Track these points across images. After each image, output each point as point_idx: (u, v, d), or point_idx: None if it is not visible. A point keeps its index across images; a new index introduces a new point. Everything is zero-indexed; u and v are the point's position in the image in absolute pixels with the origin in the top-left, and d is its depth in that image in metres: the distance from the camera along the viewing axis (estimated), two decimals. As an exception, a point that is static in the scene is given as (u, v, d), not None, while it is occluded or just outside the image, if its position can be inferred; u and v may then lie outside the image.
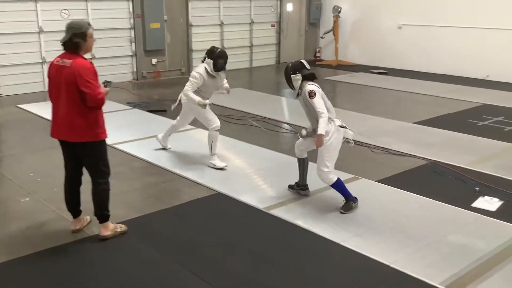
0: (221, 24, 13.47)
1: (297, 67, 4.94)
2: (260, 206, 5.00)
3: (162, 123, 7.86)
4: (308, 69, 4.95)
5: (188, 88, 5.79)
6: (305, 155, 5.16)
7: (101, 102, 4.03)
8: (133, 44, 11.96)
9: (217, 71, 5.89)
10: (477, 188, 5.38)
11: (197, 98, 5.74)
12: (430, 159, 6.36)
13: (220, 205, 5.08)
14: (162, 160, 6.34)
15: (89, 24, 4.10)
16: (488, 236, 4.39)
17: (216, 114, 6.08)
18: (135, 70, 12.13)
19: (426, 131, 7.78)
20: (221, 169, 5.96)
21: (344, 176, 5.74)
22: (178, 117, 6.50)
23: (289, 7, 14.96)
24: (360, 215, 4.81)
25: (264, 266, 3.95)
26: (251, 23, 14.11)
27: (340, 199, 4.96)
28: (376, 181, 5.68)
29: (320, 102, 4.65)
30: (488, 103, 9.54)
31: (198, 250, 4.19)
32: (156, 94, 10.61)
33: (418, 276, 3.76)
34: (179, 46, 12.81)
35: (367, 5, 14.31)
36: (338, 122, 4.77)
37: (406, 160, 6.40)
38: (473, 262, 3.96)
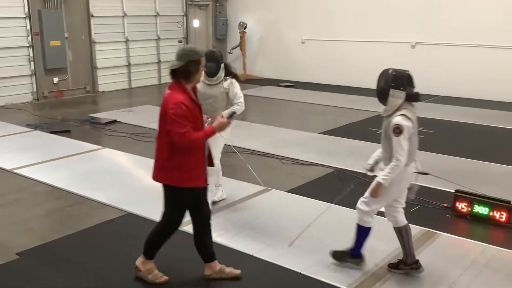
0: (126, 41, 13.22)
1: (403, 81, 3.72)
2: (172, 224, 4.93)
3: (65, 144, 7.53)
4: (413, 87, 3.77)
5: None
6: (402, 220, 3.95)
7: (186, 142, 3.43)
8: (32, 63, 11.38)
9: (209, 76, 5.01)
10: (379, 192, 5.67)
11: None
12: (336, 167, 6.63)
13: (131, 226, 4.95)
14: (67, 183, 6.06)
15: (202, 51, 3.60)
16: (392, 238, 4.63)
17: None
18: (35, 90, 11.54)
19: (330, 140, 8.13)
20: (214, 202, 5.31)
21: (255, 188, 5.84)
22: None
23: (196, 23, 15.03)
24: (272, 225, 4.90)
25: (177, 284, 3.89)
26: (158, 39, 13.98)
27: (254, 211, 5.01)
28: (286, 191, 5.83)
29: (402, 145, 3.61)
30: (386, 112, 10.17)
31: (107, 275, 4.04)
32: (59, 114, 10.15)
33: (327, 280, 3.91)
34: (82, 63, 12.38)
35: (272, 21, 14.74)
36: (412, 168, 3.83)
37: (314, 169, 6.63)
38: (379, 262, 4.17)
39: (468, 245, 4.52)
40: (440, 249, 4.44)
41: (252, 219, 5.00)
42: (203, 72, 4.85)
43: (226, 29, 15.74)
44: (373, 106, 10.45)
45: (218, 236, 4.65)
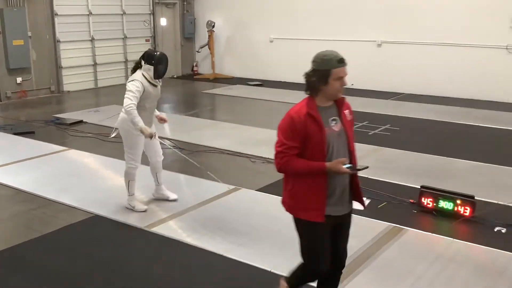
0: (92, 39, 12.98)
1: None
2: (140, 225, 4.87)
3: (29, 145, 7.34)
4: None
5: (131, 103, 4.70)
6: None
7: (276, 162, 2.92)
8: (-6, 62, 11.07)
9: (159, 78, 4.98)
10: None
11: (141, 124, 4.73)
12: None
13: (98, 229, 4.87)
14: (32, 185, 5.92)
15: (341, 61, 2.88)
16: (359, 234, 4.69)
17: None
18: (-3, 90, 11.23)
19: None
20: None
21: (224, 187, 5.82)
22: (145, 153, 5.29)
23: (163, 21, 14.89)
24: (242, 224, 4.90)
25: (148, 287, 3.85)
26: (124, 38, 13.78)
27: (217, 212, 5.00)
28: (256, 190, 5.83)
29: None
30: (354, 110, 10.26)
31: (73, 279, 3.95)
32: (23, 115, 9.89)
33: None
34: (46, 63, 12.10)
35: (240, 20, 14.72)
36: None
37: (283, 167, 6.64)
38: (348, 260, 4.20)
39: (433, 240, 4.62)
40: (407, 244, 4.52)
41: (222, 218, 4.98)
42: (152, 74, 4.82)
43: (194, 28, 15.64)
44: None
45: (188, 236, 4.63)
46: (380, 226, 4.84)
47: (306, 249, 3.07)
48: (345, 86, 2.93)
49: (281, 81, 13.96)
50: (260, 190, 5.84)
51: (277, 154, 2.90)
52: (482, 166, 6.64)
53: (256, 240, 4.56)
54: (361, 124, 9.04)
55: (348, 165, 2.87)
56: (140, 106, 4.84)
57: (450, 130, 8.78)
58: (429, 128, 8.90)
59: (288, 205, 3.05)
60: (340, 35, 12.86)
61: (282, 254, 4.30)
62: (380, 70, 12.34)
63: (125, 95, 4.77)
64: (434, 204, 5.13)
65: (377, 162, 6.88)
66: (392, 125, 8.85)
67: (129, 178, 5.17)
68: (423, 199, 5.21)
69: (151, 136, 4.87)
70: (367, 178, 6.16)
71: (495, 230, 4.75)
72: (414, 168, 6.55)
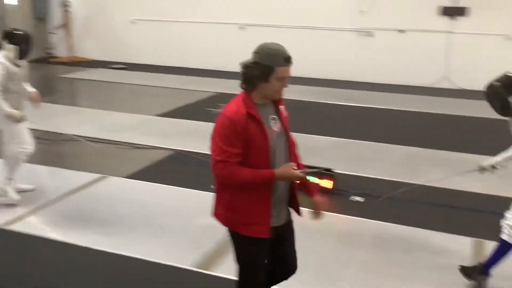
0: None
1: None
2: (-5, 223, 4.44)
3: None
4: None
5: None
6: None
7: (217, 173, 2.52)
8: None
9: (23, 58, 4.68)
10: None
11: (8, 108, 4.49)
12: (175, 149, 6.59)
13: None
14: None
15: (288, 59, 2.53)
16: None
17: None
18: None
19: (168, 122, 8.04)
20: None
21: (90, 177, 5.54)
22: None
23: (10, 0, 13.53)
24: (111, 214, 4.70)
25: (6, 290, 3.52)
26: (-36, 17, 12.32)
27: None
28: (124, 177, 5.62)
29: None
30: (222, 92, 10.35)
31: None
32: None
33: (171, 263, 3.87)
34: None
35: (98, -1, 13.95)
36: None
37: (152, 152, 6.50)
38: (220, 239, 4.25)
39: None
40: (277, 220, 4.69)
41: (88, 209, 4.73)
42: (15, 54, 4.37)
43: (47, 8, 14.46)
44: (209, 86, 10.73)
45: (51, 231, 4.32)
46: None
47: (244, 264, 2.73)
48: (285, 88, 2.59)
49: (145, 64, 13.52)
50: (128, 177, 5.65)
51: (217, 164, 2.48)
52: (341, 141, 7.13)
53: (126, 229, 4.41)
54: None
55: (302, 170, 2.62)
56: (6, 90, 4.54)
57: (312, 108, 9.26)
58: (294, 108, 9.27)
59: (226, 219, 2.67)
60: (203, 17, 12.83)
61: (155, 241, 4.22)
62: (242, 54, 12.46)
63: None
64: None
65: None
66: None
67: (16, 162, 4.77)
68: (289, 175, 5.43)
69: (21, 120, 4.63)
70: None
71: (355, 199, 5.12)
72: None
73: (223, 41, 12.59)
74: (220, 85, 11.09)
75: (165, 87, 10.81)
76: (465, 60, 10.63)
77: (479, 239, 4.31)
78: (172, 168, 6.02)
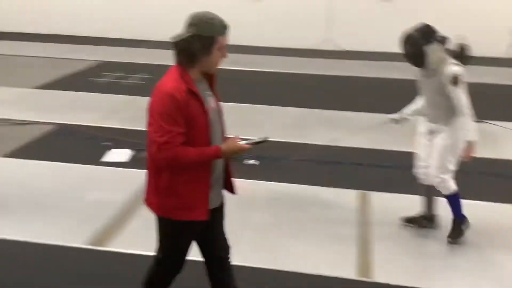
0: None
1: (429, 33, 3.49)
2: None
3: None
4: (441, 35, 3.52)
5: None
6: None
7: (160, 156, 2.32)
8: None
9: None
10: (106, 143, 5.57)
11: None
12: (58, 123, 6.20)
13: None
14: None
15: (226, 27, 2.40)
16: (123, 186, 4.63)
17: None
18: None
19: (49, 94, 7.53)
20: None
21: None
22: None
23: None
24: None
25: None
26: None
27: None
28: (2, 157, 5.20)
29: (465, 94, 3.50)
30: (106, 60, 9.86)
31: None
32: None
33: (63, 243, 3.69)
34: None
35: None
36: None
37: (32, 128, 6.05)
38: (113, 213, 4.13)
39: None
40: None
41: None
42: None
43: None
44: (91, 55, 10.14)
45: None
46: (143, 175, 4.83)
47: (172, 250, 2.61)
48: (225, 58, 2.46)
49: (13, 32, 12.26)
50: (7, 156, 5.27)
51: (161, 146, 2.29)
52: (230, 106, 7.13)
53: (12, 212, 4.12)
54: (115, 74, 8.75)
55: (245, 141, 2.45)
56: None
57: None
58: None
59: (160, 206, 2.48)
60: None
61: (45, 222, 4.00)
62: (133, 17, 11.99)
63: None
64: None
65: (136, 111, 6.81)
66: (146, 73, 8.82)
67: None
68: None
69: None
70: (127, 129, 6.05)
71: (249, 163, 5.20)
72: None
73: (86, 3, 11.86)
74: (103, 52, 10.54)
75: (42, 57, 10.04)
76: (345, 23, 11.11)
77: (363, 191, 4.61)
78: (56, 144, 5.67)
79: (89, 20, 12.03)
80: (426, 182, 3.81)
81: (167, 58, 11.04)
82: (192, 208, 2.44)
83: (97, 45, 11.27)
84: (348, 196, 4.56)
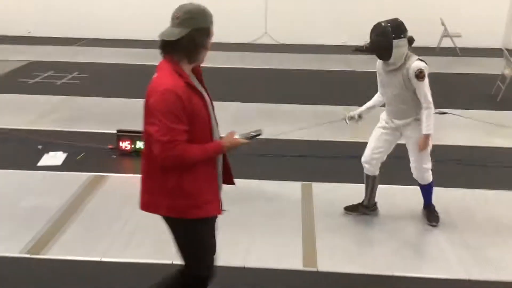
0: None
1: (401, 28, 3.55)
2: None
3: None
4: (411, 36, 3.60)
5: None
6: (378, 172, 3.97)
7: (165, 155, 2.21)
8: None
9: None
10: (40, 147, 5.32)
11: None
12: (-13, 127, 5.86)
13: None
14: None
15: (212, 16, 2.30)
16: (59, 190, 4.44)
17: None
18: None
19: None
20: None
21: None
22: None
23: None
24: None
25: None
26: None
27: None
28: None
29: (428, 88, 3.60)
30: (35, 60, 9.41)
31: None
32: None
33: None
34: None
35: None
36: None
37: (-42, 134, 5.69)
38: (50, 219, 3.95)
39: (136, 181, 4.68)
40: (110, 191, 4.49)
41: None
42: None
43: None
44: (18, 55, 9.65)
45: None
46: (80, 178, 4.67)
47: (196, 249, 2.48)
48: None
49: None
50: None
51: (166, 145, 2.19)
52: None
53: None
54: (45, 74, 8.38)
55: (242, 135, 2.43)
56: None
57: (137, 71, 8.93)
58: (117, 73, 8.87)
59: (171, 208, 2.35)
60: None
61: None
62: (61, 14, 11.49)
63: None
64: (132, 146, 5.21)
65: (70, 112, 6.57)
66: (80, 72, 8.50)
67: None
68: (121, 143, 5.22)
69: None
70: (61, 131, 5.81)
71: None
72: (109, 114, 6.48)
73: (38, 2, 11.40)
74: (31, 52, 10.06)
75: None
76: (281, 18, 11.20)
77: (306, 182, 4.65)
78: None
79: (15, 20, 11.47)
80: (370, 173, 3.93)
81: (100, 55, 10.72)
82: (205, 204, 2.40)
83: (23, 44, 10.74)
84: (291, 188, 4.58)
